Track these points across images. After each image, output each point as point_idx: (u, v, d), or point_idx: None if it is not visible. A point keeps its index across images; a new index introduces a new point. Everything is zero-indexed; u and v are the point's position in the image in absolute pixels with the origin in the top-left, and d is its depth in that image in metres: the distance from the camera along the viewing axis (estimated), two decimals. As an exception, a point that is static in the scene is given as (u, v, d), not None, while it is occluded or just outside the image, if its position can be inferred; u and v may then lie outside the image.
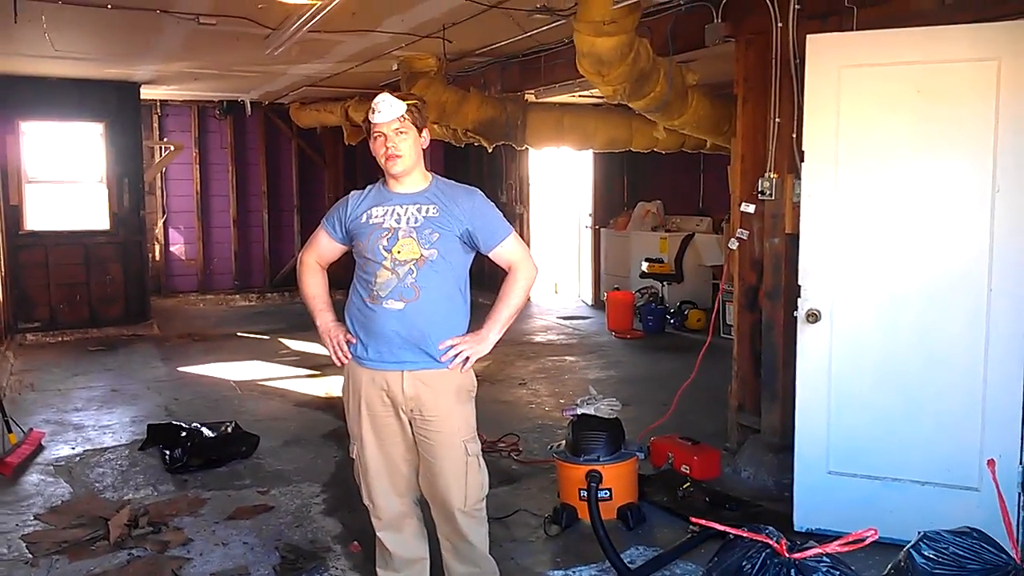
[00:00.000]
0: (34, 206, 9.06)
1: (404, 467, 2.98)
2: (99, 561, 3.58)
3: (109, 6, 5.22)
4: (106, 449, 5.16)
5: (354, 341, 2.89)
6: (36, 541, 3.79)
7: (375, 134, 2.82)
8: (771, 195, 4.40)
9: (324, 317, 3.00)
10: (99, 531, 3.85)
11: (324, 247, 3.03)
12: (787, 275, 4.31)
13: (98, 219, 9.29)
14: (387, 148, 2.79)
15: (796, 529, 3.78)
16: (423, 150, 2.90)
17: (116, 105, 8.99)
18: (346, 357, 2.92)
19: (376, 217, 2.84)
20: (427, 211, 2.82)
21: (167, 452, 4.78)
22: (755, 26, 4.34)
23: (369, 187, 2.98)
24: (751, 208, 4.58)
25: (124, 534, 3.80)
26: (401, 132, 2.79)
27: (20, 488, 4.49)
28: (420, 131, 2.86)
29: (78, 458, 4.99)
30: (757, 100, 4.50)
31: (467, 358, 2.85)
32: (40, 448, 5.10)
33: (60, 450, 5.13)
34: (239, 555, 3.67)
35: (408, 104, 2.80)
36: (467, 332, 2.89)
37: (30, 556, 3.65)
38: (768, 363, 4.57)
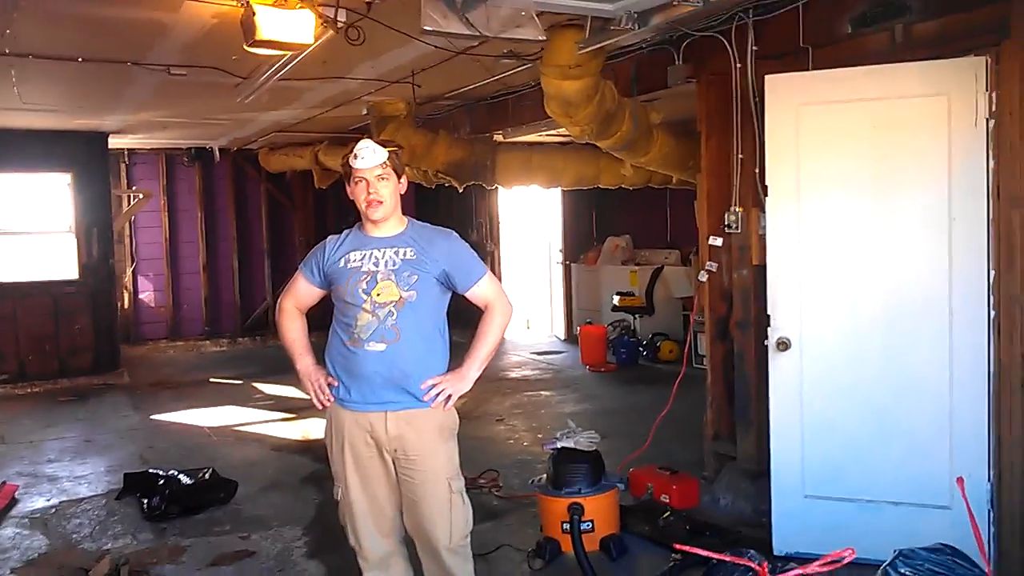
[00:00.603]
0: (2, 257, 8.98)
1: (388, 508, 3.00)
2: (80, 614, 3.55)
3: (80, 59, 5.27)
4: (82, 499, 5.10)
5: (335, 384, 2.93)
6: (14, 597, 3.75)
7: (356, 179, 2.87)
8: (737, 228, 4.53)
9: (304, 360, 3.03)
10: (79, 584, 3.81)
11: (303, 292, 3.07)
12: (756, 305, 4.43)
13: (67, 269, 9.21)
14: (369, 193, 2.85)
15: (775, 553, 3.85)
16: (401, 195, 2.97)
17: (84, 155, 8.97)
18: (328, 400, 2.96)
19: (354, 261, 2.90)
20: (404, 254, 2.88)
21: (145, 500, 4.74)
22: (715, 67, 4.51)
23: (346, 231, 3.03)
24: (719, 241, 4.71)
25: (105, 585, 3.77)
26: (383, 178, 2.86)
27: (-5, 544, 4.43)
28: (399, 177, 2.94)
29: (54, 509, 4.93)
30: (720, 137, 4.65)
31: (449, 396, 2.90)
32: (14, 501, 5.03)
33: (35, 502, 5.06)
34: (223, 602, 3.66)
35: (389, 151, 2.88)
36: (448, 371, 2.95)
37: (9, 612, 3.61)
38: (741, 392, 4.67)
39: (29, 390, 8.65)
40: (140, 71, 5.58)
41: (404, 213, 3.04)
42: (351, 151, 2.88)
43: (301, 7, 3.68)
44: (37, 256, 9.42)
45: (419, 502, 2.92)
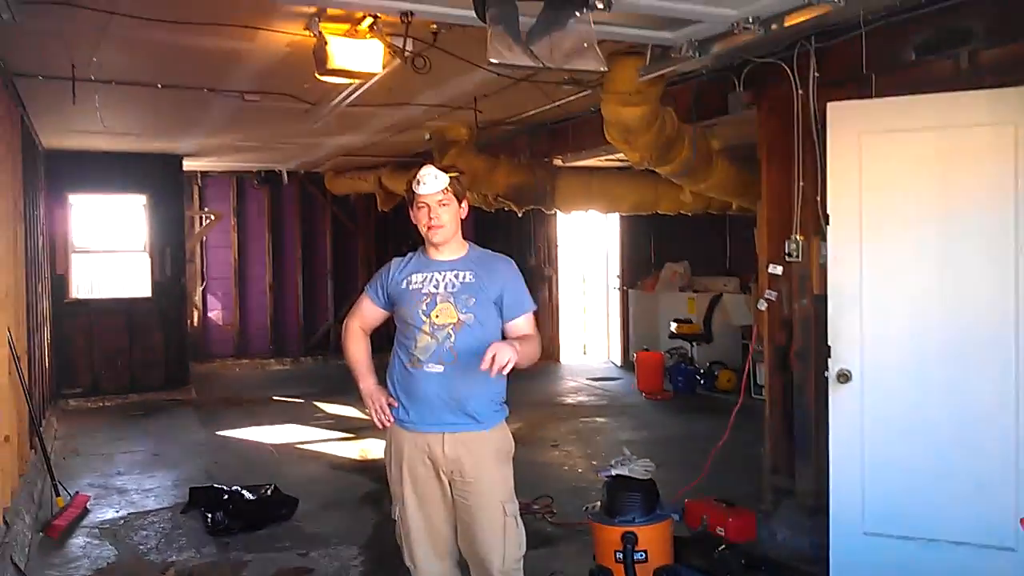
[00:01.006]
0: (80, 275, 9.38)
1: (444, 529, 3.02)
2: (145, 622, 3.67)
3: (160, 85, 5.52)
4: (149, 512, 5.27)
5: (396, 405, 3.00)
6: (83, 603, 3.89)
7: (419, 204, 2.96)
8: (798, 257, 4.47)
9: (367, 381, 3.10)
10: (145, 593, 3.94)
11: (368, 313, 3.15)
12: (816, 336, 4.36)
13: (140, 287, 9.59)
14: (430, 219, 2.93)
15: (835, 591, 3.77)
16: (462, 220, 3.04)
17: (159, 177, 9.34)
18: (388, 420, 3.02)
19: (416, 283, 2.98)
20: (464, 277, 2.96)
21: (209, 515, 4.87)
22: (776, 93, 4.49)
23: (410, 254, 3.12)
24: (779, 270, 4.66)
25: (169, 596, 3.89)
26: (443, 204, 2.94)
27: (67, 551, 4.60)
28: (460, 201, 3.01)
29: (123, 521, 5.11)
30: (781, 164, 4.62)
31: (505, 362, 2.71)
32: (86, 511, 5.22)
33: (105, 513, 5.25)
34: (281, 616, 3.74)
35: (451, 176, 2.96)
36: (504, 394, 2.99)
37: (78, 618, 3.75)
38: (800, 424, 4.59)
39: (102, 404, 8.98)
40: (216, 97, 5.82)
41: (464, 237, 3.11)
42: (414, 176, 2.97)
43: (371, 37, 3.81)
44: (113, 274, 9.81)
45: (473, 524, 2.95)
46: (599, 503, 4.27)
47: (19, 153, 5.76)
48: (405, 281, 3.01)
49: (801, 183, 4.38)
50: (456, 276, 2.96)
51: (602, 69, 2.51)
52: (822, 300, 4.07)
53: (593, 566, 4.11)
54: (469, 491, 2.93)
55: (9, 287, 4.93)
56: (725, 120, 5.22)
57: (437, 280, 2.96)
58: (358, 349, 3.16)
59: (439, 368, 2.88)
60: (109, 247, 9.89)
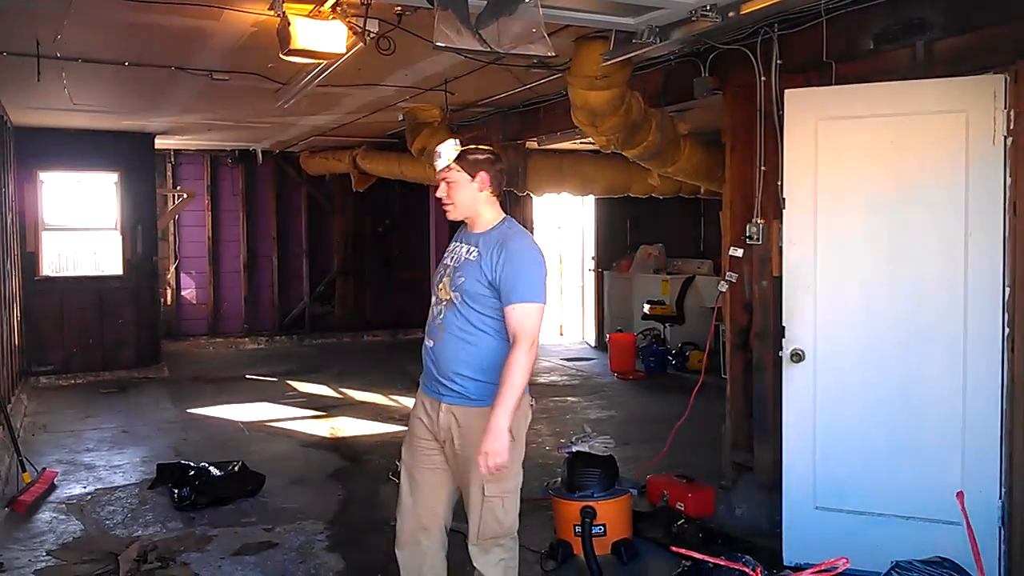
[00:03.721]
0: (50, 253, 9.32)
1: (430, 496, 3.02)
2: (109, 595, 3.71)
3: (126, 63, 5.49)
4: (116, 488, 5.30)
5: None
6: (49, 576, 3.93)
7: (438, 179, 2.98)
8: (759, 240, 4.55)
9: None
10: (109, 566, 3.97)
11: None
12: (775, 316, 4.44)
13: (112, 265, 9.54)
14: (440, 197, 2.97)
15: (785, 564, 3.87)
16: (492, 194, 2.95)
17: (131, 155, 9.28)
18: None
19: (447, 254, 3.04)
20: (470, 253, 2.91)
21: (176, 490, 4.91)
22: (740, 79, 4.55)
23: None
24: (739, 252, 4.74)
25: (133, 570, 3.93)
26: (449, 181, 2.93)
27: (33, 525, 4.63)
28: (473, 176, 2.91)
29: (89, 496, 5.13)
30: (744, 149, 4.69)
31: (496, 463, 2.73)
32: (52, 487, 5.24)
33: (72, 489, 5.27)
34: (244, 589, 3.80)
35: (458, 151, 2.92)
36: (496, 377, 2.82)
37: (43, 591, 3.78)
38: (760, 402, 4.69)
39: (73, 381, 8.95)
40: (183, 75, 5.79)
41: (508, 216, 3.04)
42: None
43: (333, 18, 3.82)
44: (84, 252, 9.75)
45: (465, 494, 2.97)
46: (560, 479, 4.36)
47: (-15, 129, 5.71)
48: (447, 251, 3.06)
49: (763, 167, 4.45)
50: (466, 251, 2.94)
51: (550, 55, 2.55)
52: (781, 282, 4.15)
53: (553, 540, 4.21)
54: (456, 462, 2.94)
55: (-26, 263, 4.92)
56: (693, 105, 5.28)
57: (455, 253, 2.97)
58: None
59: (430, 343, 2.94)
60: (80, 225, 9.81)
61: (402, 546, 3.07)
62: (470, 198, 2.93)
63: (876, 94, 3.68)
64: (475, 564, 3.00)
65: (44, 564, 4.08)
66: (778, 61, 4.30)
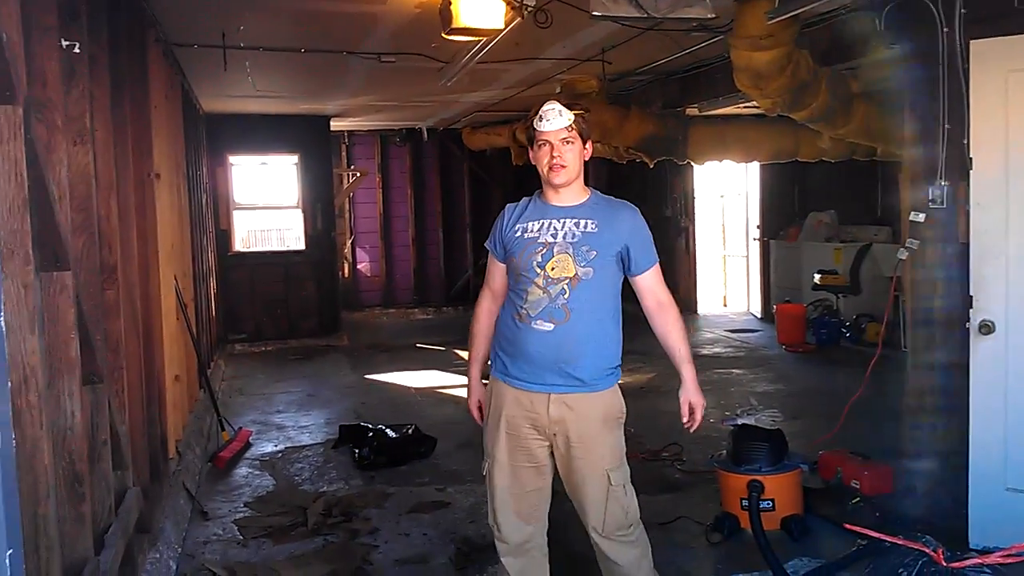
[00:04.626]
0: (240, 230, 10.14)
1: (534, 494, 2.82)
2: (299, 545, 4.04)
3: (303, 50, 5.84)
4: (304, 447, 5.74)
5: (484, 411, 2.89)
6: (246, 525, 4.32)
7: (540, 142, 2.71)
8: (942, 203, 4.25)
9: (472, 370, 3.00)
10: (298, 519, 4.33)
11: (495, 274, 2.91)
12: (961, 286, 4.16)
13: (295, 240, 10.26)
14: (552, 157, 2.68)
15: (971, 547, 3.65)
16: (584, 163, 2.80)
17: (309, 137, 9.89)
18: (480, 421, 2.94)
19: (532, 232, 2.73)
20: (586, 226, 2.69)
21: (356, 451, 5.26)
22: (920, 32, 4.24)
23: (525, 200, 2.86)
24: (921, 217, 4.44)
25: (320, 522, 4.26)
26: (568, 142, 2.69)
27: (232, 479, 5.10)
28: (585, 142, 2.76)
29: (280, 454, 5.59)
30: (926, 106, 4.38)
31: (701, 416, 2.85)
32: (248, 445, 5.74)
33: (265, 447, 5.76)
34: (419, 544, 4.03)
35: (575, 114, 2.71)
36: (619, 356, 2.81)
37: (241, 538, 4.17)
38: (944, 376, 4.40)
39: (263, 348, 9.73)
40: (354, 59, 6.10)
41: (596, 189, 2.89)
42: (535, 112, 2.72)
43: (492, -5, 3.90)
44: (270, 229, 10.54)
45: (576, 491, 2.79)
46: (726, 451, 4.30)
47: (181, 118, 6.25)
48: (520, 228, 2.75)
49: (946, 125, 4.15)
50: (577, 224, 2.69)
51: (710, 16, 2.48)
52: (967, 249, 3.88)
53: (720, 512, 4.17)
54: (573, 455, 2.73)
55: (175, 241, 5.42)
56: (866, 62, 4.98)
57: (556, 228, 2.70)
58: (476, 334, 2.96)
59: (548, 326, 2.64)
60: (266, 204, 10.60)
61: (510, 553, 2.85)
62: (580, 163, 2.75)
63: (1080, 39, 3.34)
64: (612, 558, 2.80)
65: (242, 515, 4.49)
66: (962, 10, 3.96)
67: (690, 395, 2.84)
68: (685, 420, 2.85)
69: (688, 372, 2.84)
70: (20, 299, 2.06)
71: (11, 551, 0.97)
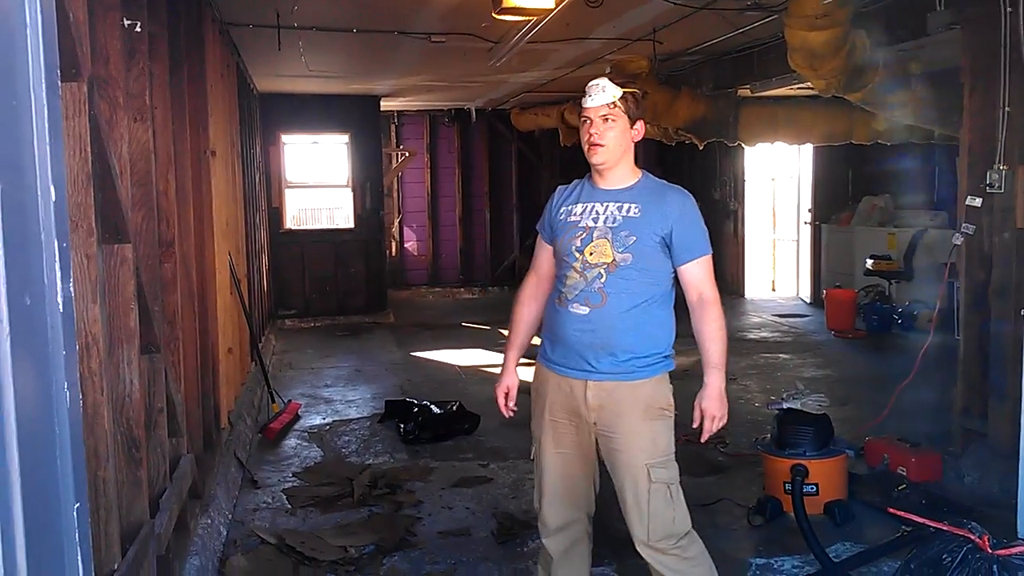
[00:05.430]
0: (292, 207, 10.32)
1: (582, 481, 2.72)
2: (345, 515, 4.14)
3: (355, 30, 5.91)
4: (351, 420, 5.85)
5: (514, 402, 2.81)
6: (294, 495, 4.43)
7: (583, 118, 2.61)
8: (1000, 188, 4.17)
9: (509, 354, 2.89)
10: (345, 489, 4.42)
11: (542, 256, 2.82)
12: (1017, 272, 4.08)
13: (344, 219, 10.41)
14: (591, 135, 2.57)
15: (1020, 536, 3.59)
16: (635, 144, 2.67)
17: (360, 116, 9.99)
18: (509, 413, 2.82)
19: (575, 215, 2.65)
20: (628, 210, 2.59)
21: (402, 425, 5.35)
22: (981, 12, 4.14)
23: (576, 182, 2.78)
24: (977, 202, 4.36)
25: (366, 493, 4.35)
26: (609, 119, 2.55)
27: (281, 450, 5.23)
28: (633, 122, 2.61)
29: (328, 427, 5.71)
30: (985, 88, 4.28)
31: (720, 426, 2.61)
32: (297, 417, 5.88)
33: (313, 420, 5.88)
34: (462, 518, 4.09)
35: (626, 92, 2.58)
36: (671, 345, 2.67)
37: (289, 507, 4.28)
38: (997, 364, 4.33)
39: (312, 324, 9.91)
40: (405, 39, 6.14)
41: (645, 168, 2.76)
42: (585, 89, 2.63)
43: (543, -26, 3.90)
44: (320, 207, 10.70)
45: (619, 488, 2.63)
46: (770, 435, 4.28)
47: (235, 97, 6.37)
48: (565, 211, 2.69)
49: (1007, 108, 4.05)
50: (619, 208, 2.59)
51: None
52: (1024, 234, 3.79)
53: (762, 495, 4.15)
54: (611, 446, 2.60)
55: (229, 218, 5.55)
56: (926, 42, 4.86)
57: (597, 212, 2.61)
58: (515, 319, 2.87)
59: (584, 310, 2.55)
60: (317, 182, 10.75)
61: (551, 536, 2.75)
62: (624, 145, 2.60)
63: None
64: (659, 570, 2.59)
65: (290, 484, 4.61)
66: (1028, -12, 3.86)
67: (707, 402, 2.59)
68: (695, 425, 2.61)
69: (714, 378, 2.59)
70: (84, 269, 2.15)
71: (78, 504, 1.03)
